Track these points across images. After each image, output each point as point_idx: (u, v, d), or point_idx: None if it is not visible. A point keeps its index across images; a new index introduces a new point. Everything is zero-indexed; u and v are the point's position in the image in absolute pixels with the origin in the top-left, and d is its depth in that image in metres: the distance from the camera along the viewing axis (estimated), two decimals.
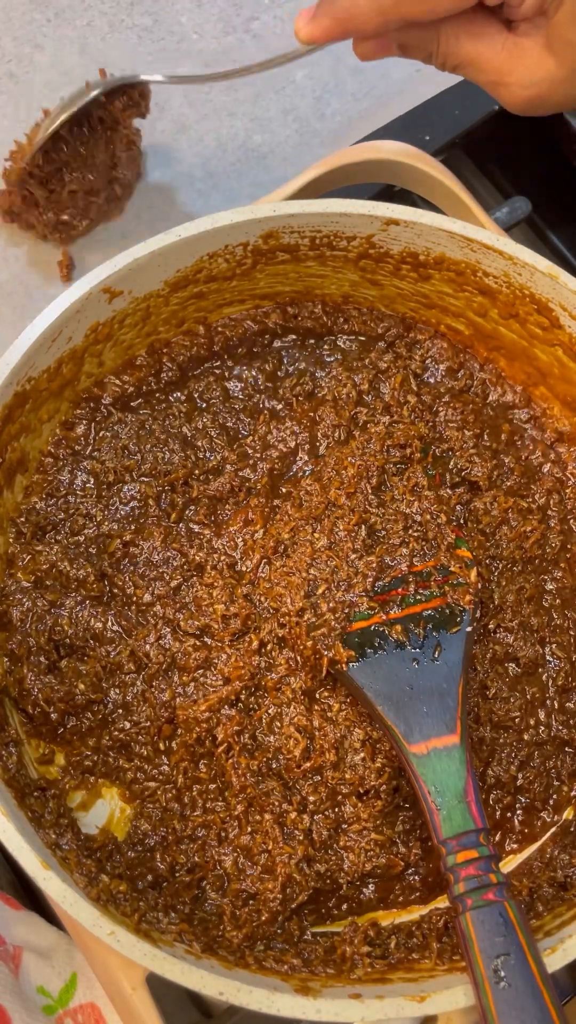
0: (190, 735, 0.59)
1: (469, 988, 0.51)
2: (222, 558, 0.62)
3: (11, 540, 0.62)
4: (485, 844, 0.53)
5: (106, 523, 0.63)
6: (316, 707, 0.59)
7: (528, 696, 0.62)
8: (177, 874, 0.57)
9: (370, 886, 0.59)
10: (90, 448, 0.65)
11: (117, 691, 0.60)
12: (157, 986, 0.53)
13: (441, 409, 0.67)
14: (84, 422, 0.65)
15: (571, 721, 0.62)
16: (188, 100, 0.83)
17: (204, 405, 0.67)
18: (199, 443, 0.66)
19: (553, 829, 0.61)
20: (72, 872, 0.53)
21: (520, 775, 0.60)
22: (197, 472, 0.65)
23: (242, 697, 0.59)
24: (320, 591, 0.59)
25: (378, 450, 0.63)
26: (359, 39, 0.60)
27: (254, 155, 0.82)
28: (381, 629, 0.58)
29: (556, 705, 0.62)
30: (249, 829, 0.57)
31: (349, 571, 0.59)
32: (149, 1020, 0.52)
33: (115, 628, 0.61)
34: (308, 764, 0.58)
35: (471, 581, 0.59)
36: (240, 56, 0.84)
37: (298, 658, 0.59)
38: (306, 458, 0.66)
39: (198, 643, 0.61)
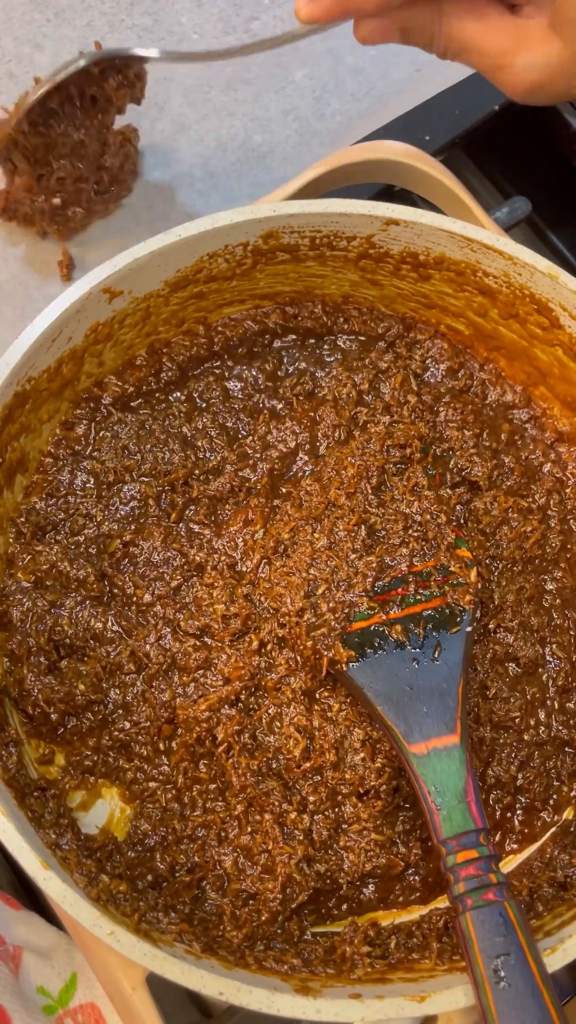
0: (190, 735, 0.59)
1: (469, 988, 0.51)
2: (222, 558, 0.62)
3: (11, 540, 0.62)
4: (485, 844, 0.53)
5: (106, 523, 0.63)
6: (316, 707, 0.59)
7: (528, 696, 0.62)
8: (177, 874, 0.57)
9: (370, 886, 0.59)
10: (90, 448, 0.65)
11: (117, 691, 0.60)
12: (157, 986, 0.53)
13: (441, 409, 0.67)
14: (84, 422, 0.65)
15: (571, 721, 0.62)
16: (188, 100, 0.83)
17: (204, 405, 0.67)
18: (199, 443, 0.66)
19: (553, 829, 0.61)
20: (72, 872, 0.53)
21: (520, 775, 0.60)
22: (197, 472, 0.65)
23: (242, 697, 0.59)
24: (320, 591, 0.59)
25: (378, 450, 0.63)
26: (360, 20, 0.59)
27: (254, 155, 0.82)
28: (381, 629, 0.58)
29: (556, 705, 0.62)
30: (249, 829, 0.57)
31: (349, 571, 0.59)
32: (149, 1020, 0.52)
33: (115, 628, 0.61)
34: (308, 764, 0.58)
35: (471, 581, 0.59)
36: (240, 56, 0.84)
37: (298, 658, 0.59)
38: (306, 458, 0.66)
39: (198, 643, 0.61)
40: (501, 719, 0.61)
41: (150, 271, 0.62)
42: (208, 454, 0.65)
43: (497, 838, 0.61)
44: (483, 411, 0.68)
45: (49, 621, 0.60)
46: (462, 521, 0.64)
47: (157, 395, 0.67)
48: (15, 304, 0.77)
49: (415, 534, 0.61)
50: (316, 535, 0.61)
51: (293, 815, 0.57)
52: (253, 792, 0.57)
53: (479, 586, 0.60)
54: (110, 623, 0.61)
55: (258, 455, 0.65)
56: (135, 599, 0.62)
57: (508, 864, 0.60)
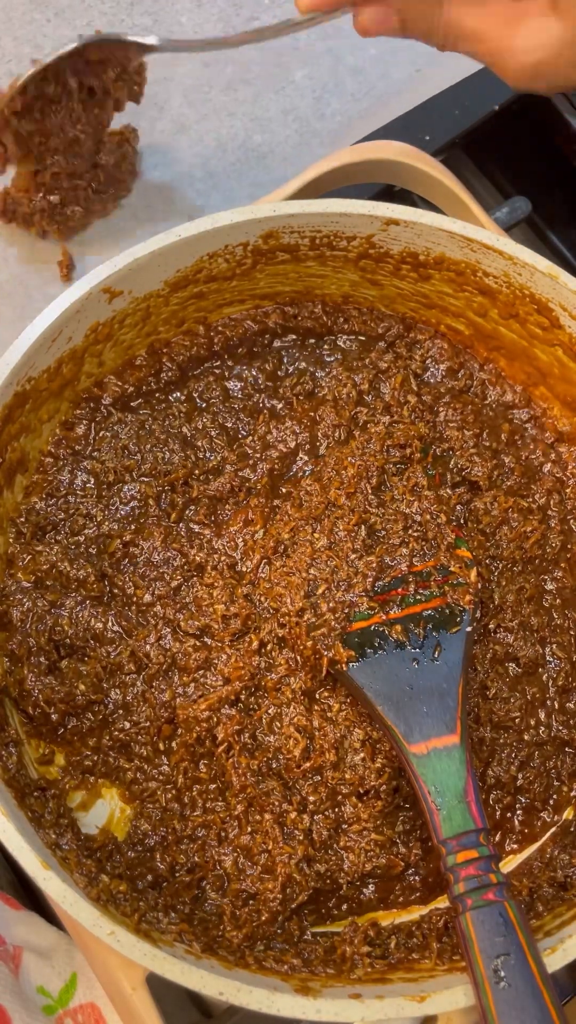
0: (190, 735, 0.59)
1: (469, 988, 0.51)
2: (222, 558, 0.62)
3: (11, 540, 0.62)
4: (485, 844, 0.53)
5: (106, 523, 0.63)
6: (316, 707, 0.59)
7: (528, 696, 0.62)
8: (177, 874, 0.57)
9: (370, 886, 0.59)
10: (90, 448, 0.65)
11: (117, 691, 0.60)
12: (157, 986, 0.53)
13: (441, 409, 0.67)
14: (84, 422, 0.65)
15: (571, 721, 0.62)
16: (188, 100, 0.83)
17: (204, 405, 0.67)
18: (199, 443, 0.66)
19: (553, 829, 0.61)
20: (72, 872, 0.53)
21: (520, 775, 0.60)
22: (197, 472, 0.65)
23: (242, 697, 0.59)
24: (320, 591, 0.59)
25: (378, 450, 0.63)
26: (359, 9, 0.59)
27: (254, 155, 0.82)
28: (381, 629, 0.58)
29: (556, 705, 0.62)
30: (249, 829, 0.57)
31: (349, 571, 0.59)
32: (149, 1020, 0.52)
33: (115, 628, 0.61)
34: (308, 764, 0.58)
35: (471, 581, 0.59)
36: (240, 56, 0.84)
37: (298, 658, 0.59)
38: (306, 458, 0.66)
39: (198, 643, 0.61)
40: (501, 719, 0.61)
41: (150, 271, 0.62)
42: (208, 454, 0.65)
43: (497, 838, 0.61)
44: (483, 411, 0.68)
45: (49, 621, 0.60)
46: (462, 521, 0.64)
47: (157, 395, 0.67)
48: (15, 304, 0.77)
49: (415, 534, 0.61)
50: (316, 535, 0.61)
51: (293, 815, 0.57)
52: (253, 792, 0.57)
53: (479, 586, 0.60)
54: (110, 623, 0.61)
55: (258, 455, 0.65)
56: (135, 599, 0.62)
57: (508, 864, 0.60)
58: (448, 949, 0.55)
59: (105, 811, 0.59)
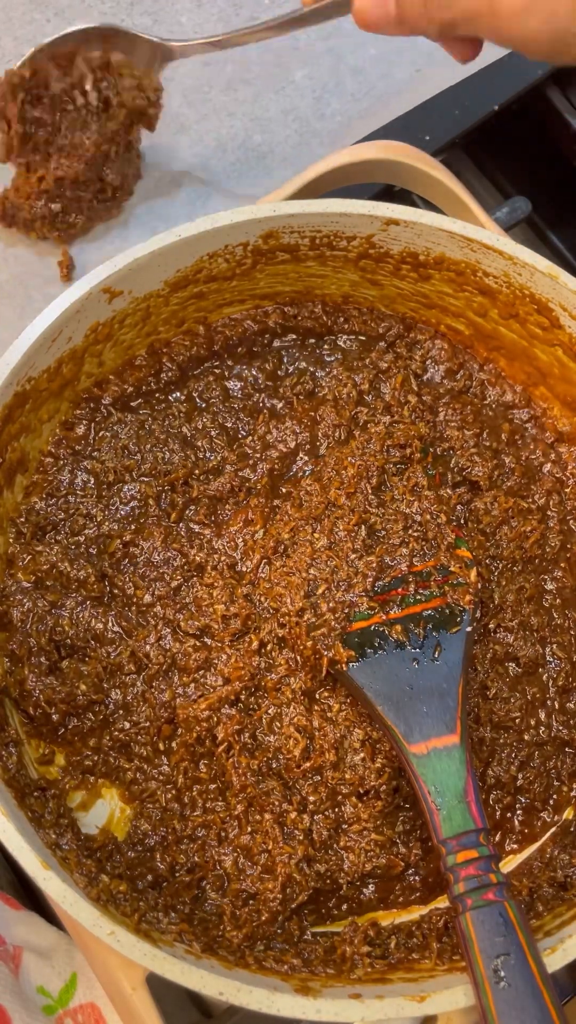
0: (190, 735, 0.59)
1: (469, 988, 0.51)
2: (222, 558, 0.62)
3: (11, 540, 0.62)
4: (485, 844, 0.53)
5: (106, 523, 0.63)
6: (316, 707, 0.59)
7: (528, 696, 0.62)
8: (177, 874, 0.57)
9: (370, 886, 0.59)
10: (90, 448, 0.65)
11: (118, 691, 0.60)
12: (157, 986, 0.53)
13: (441, 409, 0.67)
14: (84, 422, 0.65)
15: (571, 721, 0.62)
16: (188, 100, 0.83)
17: (204, 405, 0.67)
18: (199, 443, 0.66)
19: (553, 829, 0.61)
20: (72, 872, 0.53)
21: (520, 775, 0.60)
22: (197, 472, 0.65)
23: (242, 697, 0.59)
24: (320, 591, 0.59)
25: (378, 450, 0.63)
26: None
27: (254, 155, 0.82)
28: (381, 629, 0.58)
29: (556, 705, 0.62)
30: (249, 829, 0.57)
31: (349, 571, 0.59)
32: (149, 1020, 0.52)
33: (115, 629, 0.61)
34: (308, 764, 0.58)
35: (471, 581, 0.59)
36: (240, 55, 0.84)
37: (298, 658, 0.59)
38: (306, 458, 0.66)
39: (198, 643, 0.61)
40: (501, 719, 0.61)
41: (150, 271, 0.62)
42: (208, 454, 0.65)
43: (497, 838, 0.61)
44: (483, 411, 0.68)
45: (50, 621, 0.60)
46: (462, 521, 0.64)
47: (157, 395, 0.67)
48: (15, 304, 0.77)
49: (415, 534, 0.61)
50: (316, 535, 0.61)
51: (293, 815, 0.57)
52: (253, 792, 0.57)
53: (479, 586, 0.60)
54: (110, 623, 0.61)
55: (258, 455, 0.65)
56: (135, 599, 0.62)
57: (508, 864, 0.60)
58: (448, 949, 0.55)
59: (105, 811, 0.59)
